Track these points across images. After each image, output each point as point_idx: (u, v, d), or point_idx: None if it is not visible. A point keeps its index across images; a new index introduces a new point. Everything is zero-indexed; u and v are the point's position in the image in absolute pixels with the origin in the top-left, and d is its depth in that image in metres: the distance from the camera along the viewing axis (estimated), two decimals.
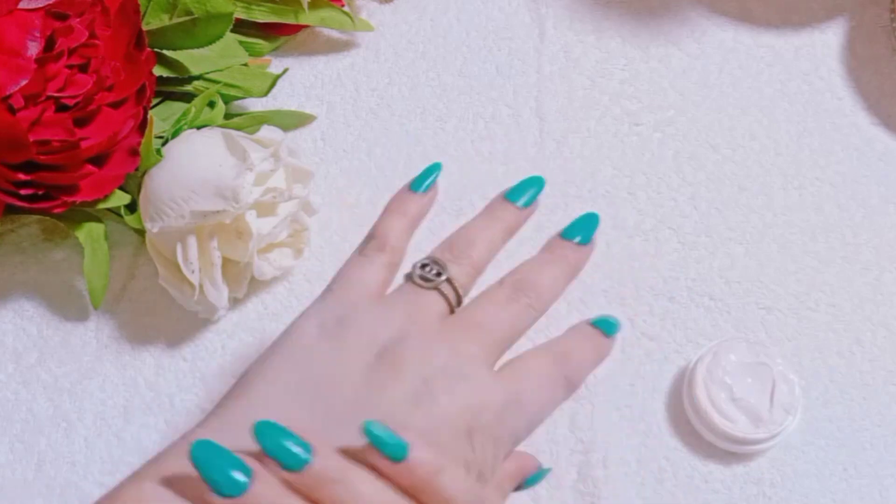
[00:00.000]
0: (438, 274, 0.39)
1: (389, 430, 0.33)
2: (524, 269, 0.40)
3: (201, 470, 0.31)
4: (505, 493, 0.39)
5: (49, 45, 0.46)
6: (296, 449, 0.32)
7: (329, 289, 0.40)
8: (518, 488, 0.40)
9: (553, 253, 0.41)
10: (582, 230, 0.41)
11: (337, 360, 0.37)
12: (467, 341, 0.38)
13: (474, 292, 0.41)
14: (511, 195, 0.42)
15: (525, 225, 0.55)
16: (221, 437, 0.34)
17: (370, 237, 0.41)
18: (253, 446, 0.33)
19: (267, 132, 0.52)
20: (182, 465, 0.34)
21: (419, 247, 0.54)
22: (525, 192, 0.42)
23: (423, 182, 0.42)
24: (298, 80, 0.59)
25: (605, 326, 0.41)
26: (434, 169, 0.43)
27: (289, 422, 0.33)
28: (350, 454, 0.33)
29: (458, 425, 0.36)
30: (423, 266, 0.40)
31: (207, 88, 0.53)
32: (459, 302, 0.40)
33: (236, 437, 0.34)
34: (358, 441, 0.33)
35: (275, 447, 0.32)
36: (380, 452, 0.33)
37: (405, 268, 0.41)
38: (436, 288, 0.39)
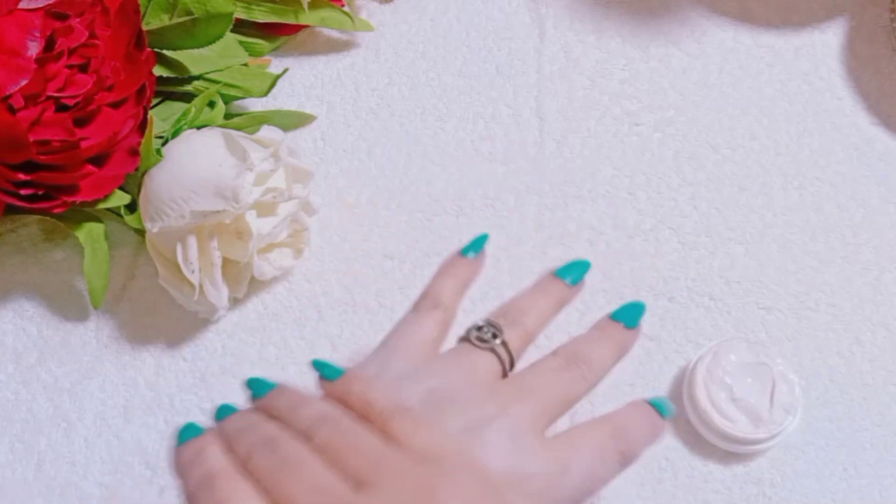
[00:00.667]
0: (494, 336, 0.40)
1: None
2: (576, 342, 0.41)
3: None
4: None
5: (49, 45, 0.46)
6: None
7: (384, 343, 0.41)
8: None
9: (603, 332, 0.42)
10: (629, 317, 0.42)
11: None
12: (518, 403, 0.38)
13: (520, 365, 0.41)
14: (561, 273, 0.43)
15: (525, 226, 0.55)
16: None
17: (423, 297, 0.42)
18: None
19: (267, 132, 0.52)
20: None
21: (421, 248, 0.55)
22: (573, 272, 0.44)
23: (473, 248, 0.44)
24: (298, 80, 0.59)
25: (660, 408, 0.41)
26: (483, 238, 0.45)
27: None
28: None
29: (490, 479, 0.35)
30: (480, 328, 0.41)
31: (207, 88, 0.53)
32: (513, 366, 0.40)
33: None
34: None
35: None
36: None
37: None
38: (491, 349, 0.40)
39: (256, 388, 0.37)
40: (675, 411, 0.42)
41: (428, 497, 0.32)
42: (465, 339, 0.41)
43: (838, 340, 0.52)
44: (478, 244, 0.44)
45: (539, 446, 0.37)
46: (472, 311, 0.53)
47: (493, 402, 0.37)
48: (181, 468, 0.34)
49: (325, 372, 0.36)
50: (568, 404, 0.39)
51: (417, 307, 0.42)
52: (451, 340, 0.42)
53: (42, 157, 0.46)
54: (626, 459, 0.39)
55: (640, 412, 0.40)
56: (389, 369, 0.39)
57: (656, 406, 0.40)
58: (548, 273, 0.44)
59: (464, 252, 0.44)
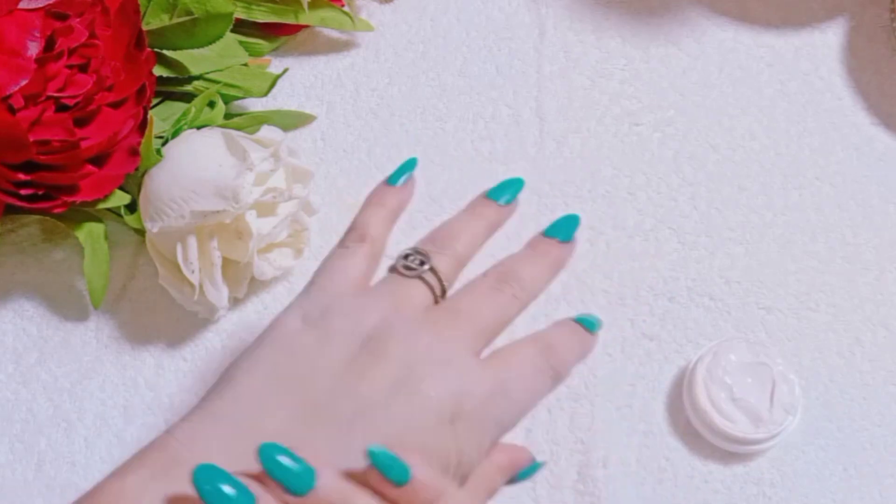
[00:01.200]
0: (422, 263, 0.39)
1: (392, 454, 0.33)
2: (508, 261, 0.41)
3: (204, 496, 0.32)
4: (493, 486, 0.39)
5: (49, 45, 0.46)
6: (298, 470, 0.32)
7: (312, 281, 0.40)
8: (511, 482, 0.40)
9: (536, 249, 0.42)
10: (563, 230, 0.42)
11: (320, 350, 0.37)
12: (452, 329, 0.38)
13: (457, 286, 0.41)
14: (492, 194, 0.43)
15: (525, 226, 0.55)
16: (206, 430, 0.34)
17: (350, 229, 0.42)
18: (240, 445, 0.33)
19: (267, 132, 0.52)
20: (165, 460, 0.34)
21: None
22: (506, 191, 0.43)
23: (400, 176, 0.43)
24: (298, 80, 0.59)
25: (588, 324, 0.41)
26: (410, 163, 0.44)
27: (270, 412, 0.34)
28: (354, 477, 0.34)
29: (440, 411, 0.36)
30: (407, 256, 0.40)
31: (207, 88, 0.53)
32: (444, 292, 0.40)
33: (221, 431, 0.34)
34: (336, 432, 0.34)
35: (278, 470, 0.32)
36: (383, 476, 0.33)
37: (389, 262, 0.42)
38: (419, 277, 0.39)
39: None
40: (600, 324, 0.42)
41: None
42: (393, 268, 0.40)
43: (838, 340, 0.52)
44: (404, 169, 0.43)
45: (475, 368, 0.37)
46: None
47: (425, 332, 0.37)
48: None
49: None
50: (502, 325, 0.40)
51: (344, 241, 0.41)
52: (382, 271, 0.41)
53: (42, 157, 0.46)
54: (557, 375, 0.39)
55: (568, 329, 0.41)
56: (316, 305, 0.38)
57: (584, 322, 0.41)
58: (479, 194, 0.43)
59: (390, 180, 0.43)
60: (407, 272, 0.39)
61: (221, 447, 0.34)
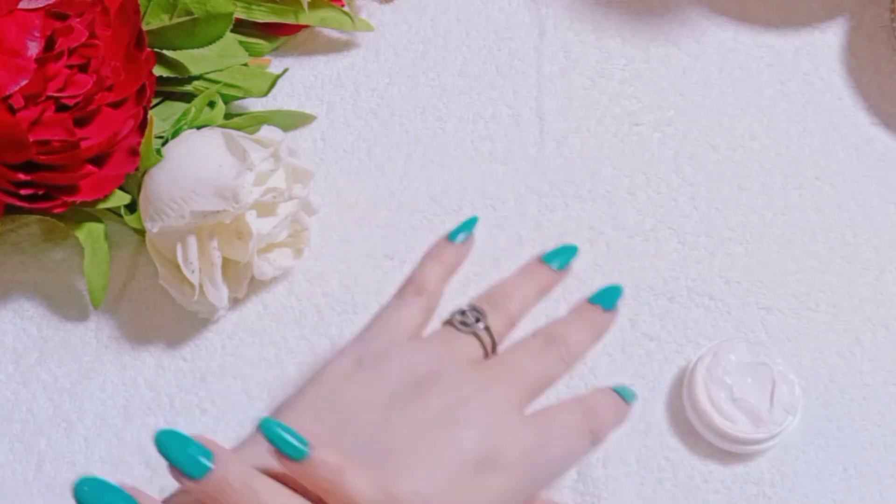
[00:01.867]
0: (477, 320, 0.41)
1: (290, 429, 0.33)
2: (555, 325, 0.42)
3: (168, 455, 0.32)
4: None
5: (49, 45, 0.46)
6: (199, 457, 0.32)
7: (366, 328, 0.41)
8: None
9: (581, 315, 0.43)
10: (607, 299, 0.43)
11: (368, 389, 0.37)
12: (499, 381, 0.39)
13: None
14: (547, 258, 0.44)
15: (525, 226, 0.55)
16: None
17: (407, 282, 0.43)
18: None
19: (267, 132, 0.52)
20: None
21: (421, 248, 0.55)
22: (560, 257, 0.44)
23: (459, 233, 0.44)
24: (298, 80, 0.59)
25: (626, 395, 0.42)
26: (472, 222, 0.45)
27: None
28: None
29: (467, 456, 0.36)
30: (463, 312, 0.41)
31: (207, 88, 0.53)
32: (494, 349, 0.41)
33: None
34: (359, 459, 0.34)
35: (178, 455, 0.32)
36: (280, 452, 0.33)
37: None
38: (473, 333, 0.40)
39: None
40: (636, 397, 0.43)
41: None
42: (448, 322, 0.41)
43: (838, 340, 0.52)
44: (466, 227, 0.44)
45: (518, 422, 0.38)
46: None
47: (474, 381, 0.38)
48: None
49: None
50: (547, 384, 0.40)
51: (401, 293, 0.42)
52: (435, 325, 0.42)
53: (42, 157, 0.46)
54: (596, 438, 0.40)
55: (607, 397, 0.42)
56: (370, 350, 0.39)
57: (621, 393, 0.42)
58: (534, 258, 0.44)
59: (451, 237, 0.44)
60: (462, 327, 0.41)
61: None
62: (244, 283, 0.52)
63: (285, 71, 0.56)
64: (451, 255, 0.44)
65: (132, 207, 0.52)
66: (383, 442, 0.35)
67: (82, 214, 0.52)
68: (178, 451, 0.32)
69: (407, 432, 0.36)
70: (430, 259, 0.43)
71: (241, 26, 0.56)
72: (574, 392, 0.51)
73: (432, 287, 0.42)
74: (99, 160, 0.49)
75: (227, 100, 0.54)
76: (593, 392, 0.42)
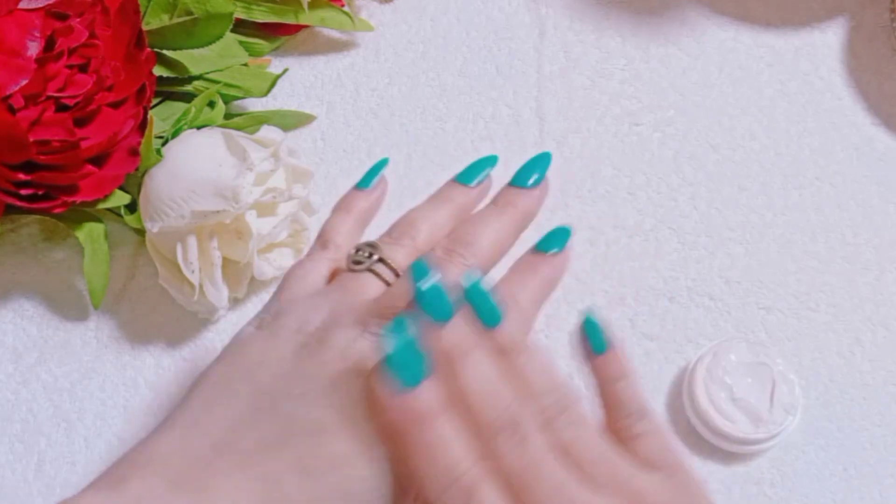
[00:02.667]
0: (370, 255, 0.38)
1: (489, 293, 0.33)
2: (461, 225, 0.39)
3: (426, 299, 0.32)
4: None
5: (49, 45, 0.46)
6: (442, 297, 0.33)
7: (275, 291, 0.40)
8: None
9: (497, 203, 0.40)
10: (535, 171, 0.40)
11: (267, 347, 0.36)
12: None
13: None
14: (461, 177, 0.41)
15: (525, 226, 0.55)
16: (155, 442, 0.34)
17: (317, 237, 0.41)
18: (190, 447, 0.33)
19: (267, 132, 0.52)
20: (113, 479, 0.33)
21: None
22: (476, 173, 0.41)
23: (370, 179, 0.42)
24: (298, 80, 0.59)
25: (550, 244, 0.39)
26: (380, 165, 0.43)
27: (219, 409, 0.34)
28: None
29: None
30: (357, 251, 0.39)
31: (207, 88, 0.53)
32: None
33: (170, 438, 0.34)
34: (281, 423, 0.33)
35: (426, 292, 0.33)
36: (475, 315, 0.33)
37: None
38: (369, 269, 0.38)
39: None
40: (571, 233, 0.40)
41: None
42: (345, 268, 0.39)
43: (838, 340, 0.52)
44: (374, 172, 0.42)
45: None
46: None
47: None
48: (410, 434, 0.32)
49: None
50: None
51: (309, 251, 0.41)
52: None
53: (42, 157, 0.46)
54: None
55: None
56: (271, 311, 0.38)
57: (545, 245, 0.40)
58: (448, 180, 0.41)
59: (360, 184, 0.42)
60: (355, 266, 0.38)
61: (172, 452, 0.33)
62: (244, 283, 0.52)
63: (285, 71, 0.56)
64: (360, 202, 0.41)
65: (132, 207, 0.52)
66: (299, 391, 0.34)
67: (82, 214, 0.52)
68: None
69: (318, 377, 0.34)
70: (338, 210, 0.41)
71: (241, 26, 0.56)
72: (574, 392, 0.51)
73: (340, 239, 0.40)
74: (99, 160, 0.49)
75: (227, 100, 0.55)
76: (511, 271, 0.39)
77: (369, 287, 0.38)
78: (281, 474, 0.33)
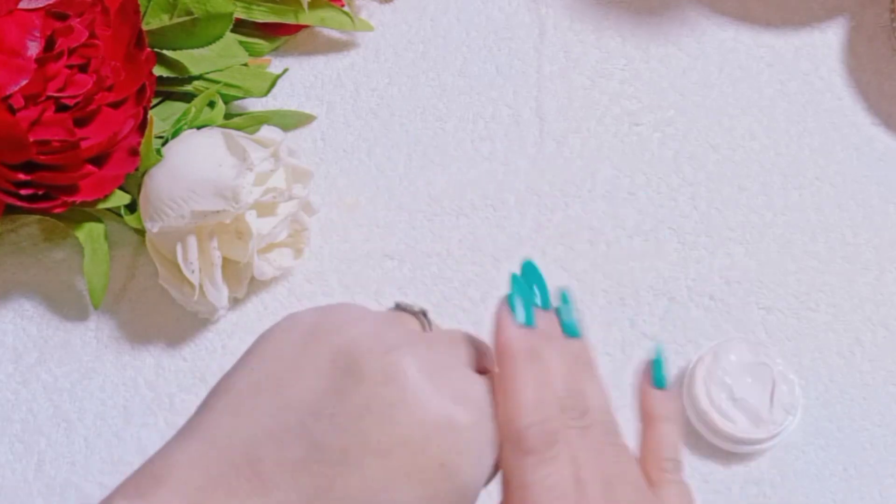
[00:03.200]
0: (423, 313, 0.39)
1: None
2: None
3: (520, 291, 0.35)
4: None
5: (49, 45, 0.46)
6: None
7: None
8: None
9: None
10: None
11: (305, 355, 0.36)
12: (440, 342, 0.37)
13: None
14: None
15: (525, 226, 0.55)
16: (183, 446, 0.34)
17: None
18: (215, 451, 0.33)
19: (267, 132, 0.52)
20: (143, 484, 0.33)
21: (421, 248, 0.55)
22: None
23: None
24: (298, 80, 0.59)
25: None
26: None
27: (241, 423, 0.34)
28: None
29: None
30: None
31: (207, 88, 0.53)
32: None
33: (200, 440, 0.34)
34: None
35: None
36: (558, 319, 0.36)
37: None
38: (412, 313, 0.38)
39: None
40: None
41: None
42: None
43: (838, 340, 0.52)
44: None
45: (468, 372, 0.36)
46: (472, 310, 0.53)
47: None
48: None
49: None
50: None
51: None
52: None
53: (42, 157, 0.46)
54: None
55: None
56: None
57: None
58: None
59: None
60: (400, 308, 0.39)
61: (192, 465, 0.33)
62: (244, 283, 0.52)
63: (285, 71, 0.56)
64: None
65: (132, 207, 0.52)
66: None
67: (82, 214, 0.52)
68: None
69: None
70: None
71: (241, 26, 0.56)
72: None
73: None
74: (99, 160, 0.49)
75: (227, 100, 0.54)
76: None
77: (411, 324, 0.38)
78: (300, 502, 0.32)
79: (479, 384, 0.35)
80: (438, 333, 0.38)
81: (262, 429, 0.34)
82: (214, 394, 0.36)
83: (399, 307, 0.39)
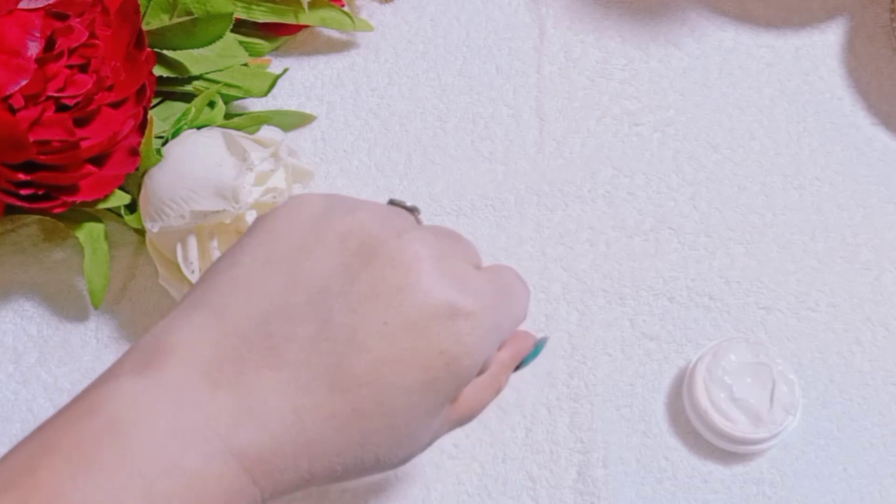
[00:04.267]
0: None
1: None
2: None
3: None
4: (501, 384, 0.39)
5: (49, 45, 0.46)
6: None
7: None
8: (517, 368, 0.40)
9: None
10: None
11: (315, 233, 0.36)
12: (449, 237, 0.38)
13: None
14: None
15: (525, 226, 0.55)
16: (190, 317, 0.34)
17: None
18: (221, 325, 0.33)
19: (267, 132, 0.52)
20: (147, 352, 0.33)
21: None
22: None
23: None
24: (298, 80, 0.59)
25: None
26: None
27: (248, 298, 0.34)
28: None
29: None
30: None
31: (207, 88, 0.53)
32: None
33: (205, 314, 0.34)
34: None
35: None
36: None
37: None
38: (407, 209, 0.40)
39: None
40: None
41: None
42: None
43: (838, 340, 0.52)
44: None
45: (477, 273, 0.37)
46: None
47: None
48: None
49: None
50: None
51: None
52: None
53: (42, 157, 0.46)
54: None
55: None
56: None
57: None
58: None
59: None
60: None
61: (200, 340, 0.33)
62: None
63: (285, 71, 0.56)
64: None
65: (132, 207, 0.52)
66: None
67: (82, 214, 0.52)
68: None
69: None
70: None
71: (241, 26, 0.56)
72: (574, 392, 0.51)
73: None
74: (99, 160, 0.49)
75: (227, 100, 0.54)
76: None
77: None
78: (310, 382, 0.33)
79: (479, 277, 0.36)
80: (439, 226, 0.38)
81: (272, 304, 0.34)
82: (217, 270, 0.35)
83: (393, 203, 0.39)
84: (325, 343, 0.33)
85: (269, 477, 0.32)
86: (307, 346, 0.33)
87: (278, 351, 0.33)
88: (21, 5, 0.45)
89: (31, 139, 0.45)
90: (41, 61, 0.45)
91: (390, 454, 0.34)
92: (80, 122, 0.47)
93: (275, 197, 0.49)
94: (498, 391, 0.38)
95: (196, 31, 0.53)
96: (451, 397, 0.35)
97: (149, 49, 0.49)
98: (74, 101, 0.47)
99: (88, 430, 0.31)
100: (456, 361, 0.34)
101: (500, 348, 0.38)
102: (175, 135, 0.51)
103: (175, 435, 0.31)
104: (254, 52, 0.57)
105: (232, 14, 0.52)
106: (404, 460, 0.35)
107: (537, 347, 0.41)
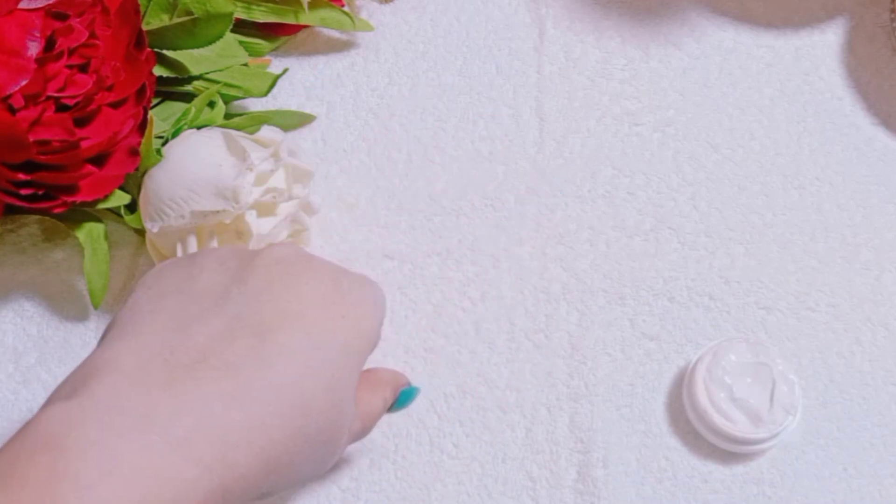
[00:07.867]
0: None
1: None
2: None
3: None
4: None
5: (49, 45, 0.46)
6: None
7: None
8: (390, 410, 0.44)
9: None
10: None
11: (191, 270, 0.40)
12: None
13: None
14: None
15: (525, 226, 0.55)
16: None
17: None
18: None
19: (267, 132, 0.52)
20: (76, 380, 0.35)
21: (421, 248, 0.55)
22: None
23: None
24: (298, 80, 0.59)
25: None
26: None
27: (158, 318, 0.37)
28: None
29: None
30: None
31: (207, 88, 0.53)
32: None
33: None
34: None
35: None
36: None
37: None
38: None
39: None
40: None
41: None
42: None
43: (838, 340, 0.52)
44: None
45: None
46: (472, 310, 0.53)
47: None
48: None
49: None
50: None
51: None
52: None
53: (42, 157, 0.46)
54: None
55: None
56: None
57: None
58: None
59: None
60: None
61: (125, 355, 0.35)
62: None
63: (285, 71, 0.56)
64: None
65: (132, 207, 0.52)
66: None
67: (82, 214, 0.52)
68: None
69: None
70: None
71: (241, 26, 0.56)
72: (574, 392, 0.51)
73: None
74: (99, 160, 0.49)
75: (227, 100, 0.54)
76: None
77: None
78: (239, 361, 0.35)
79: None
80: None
81: (184, 314, 0.37)
82: (118, 317, 0.38)
83: None
84: (242, 330, 0.36)
85: (224, 460, 0.33)
86: (227, 334, 0.36)
87: (201, 348, 0.35)
88: (21, 5, 0.45)
89: (31, 139, 0.45)
90: (41, 61, 0.45)
91: (328, 420, 0.37)
92: (80, 122, 0.47)
93: (275, 197, 0.49)
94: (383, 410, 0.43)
95: (196, 31, 0.53)
96: (362, 363, 0.39)
97: (149, 49, 0.49)
98: (74, 101, 0.47)
99: (23, 449, 0.32)
100: (358, 323, 0.38)
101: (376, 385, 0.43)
102: (175, 135, 0.51)
103: (111, 438, 0.32)
104: (254, 52, 0.57)
105: (232, 14, 0.52)
106: (339, 427, 0.38)
107: (408, 393, 0.45)
